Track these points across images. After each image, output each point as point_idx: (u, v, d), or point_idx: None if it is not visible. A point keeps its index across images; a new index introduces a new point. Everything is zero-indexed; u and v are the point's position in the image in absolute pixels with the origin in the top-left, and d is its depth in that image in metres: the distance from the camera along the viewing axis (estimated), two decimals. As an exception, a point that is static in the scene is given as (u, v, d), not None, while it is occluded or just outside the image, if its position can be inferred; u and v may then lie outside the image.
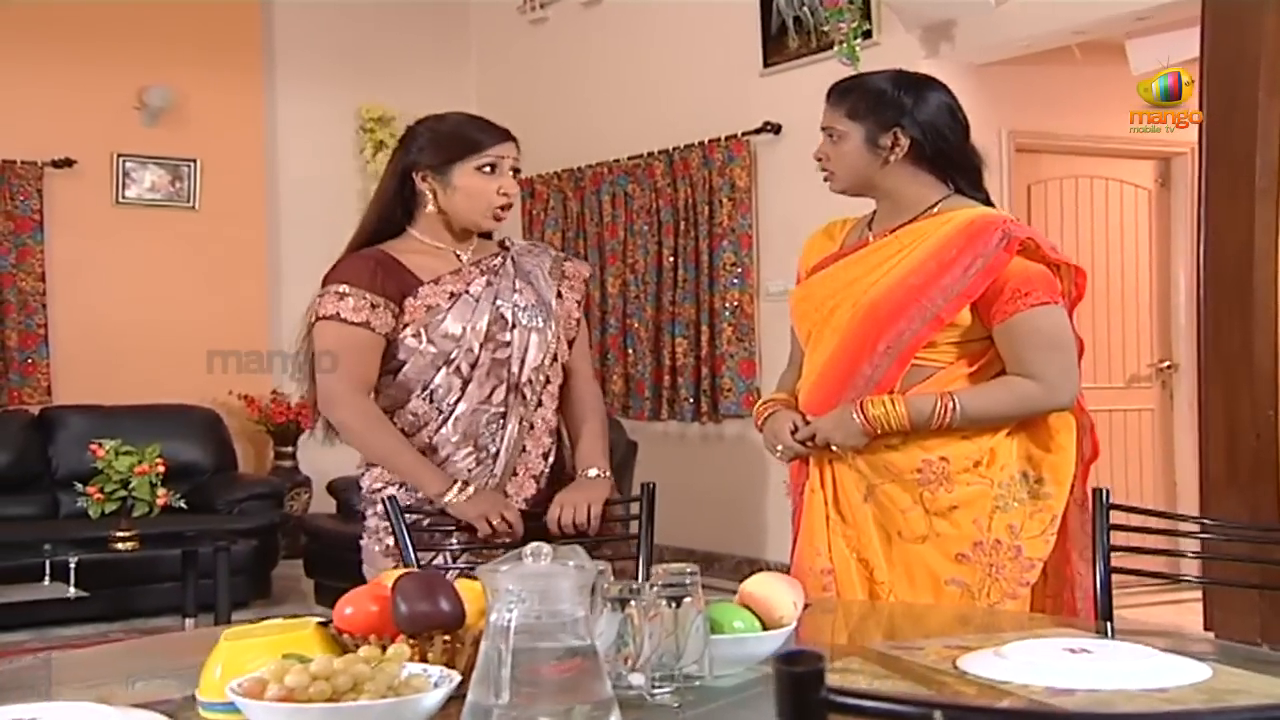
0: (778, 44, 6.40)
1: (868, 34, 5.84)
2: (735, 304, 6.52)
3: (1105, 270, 6.49)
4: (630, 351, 7.17)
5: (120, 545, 5.02)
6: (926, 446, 2.46)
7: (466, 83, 8.50)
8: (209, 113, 7.64)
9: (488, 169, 2.76)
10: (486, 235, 2.94)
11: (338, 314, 2.70)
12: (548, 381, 2.85)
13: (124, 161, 7.47)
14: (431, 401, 2.74)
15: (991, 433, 2.46)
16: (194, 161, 7.62)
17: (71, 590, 4.83)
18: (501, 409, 2.76)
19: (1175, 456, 6.61)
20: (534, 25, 8.03)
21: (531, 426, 2.81)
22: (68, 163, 7.27)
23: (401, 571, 1.74)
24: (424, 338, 2.73)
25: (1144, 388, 6.63)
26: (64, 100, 7.25)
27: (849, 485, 2.52)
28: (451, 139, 2.78)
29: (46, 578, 4.98)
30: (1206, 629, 5.02)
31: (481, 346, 2.74)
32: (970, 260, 2.44)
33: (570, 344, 2.91)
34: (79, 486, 5.18)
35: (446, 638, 1.63)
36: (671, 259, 6.91)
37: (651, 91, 7.19)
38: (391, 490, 2.72)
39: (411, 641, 1.62)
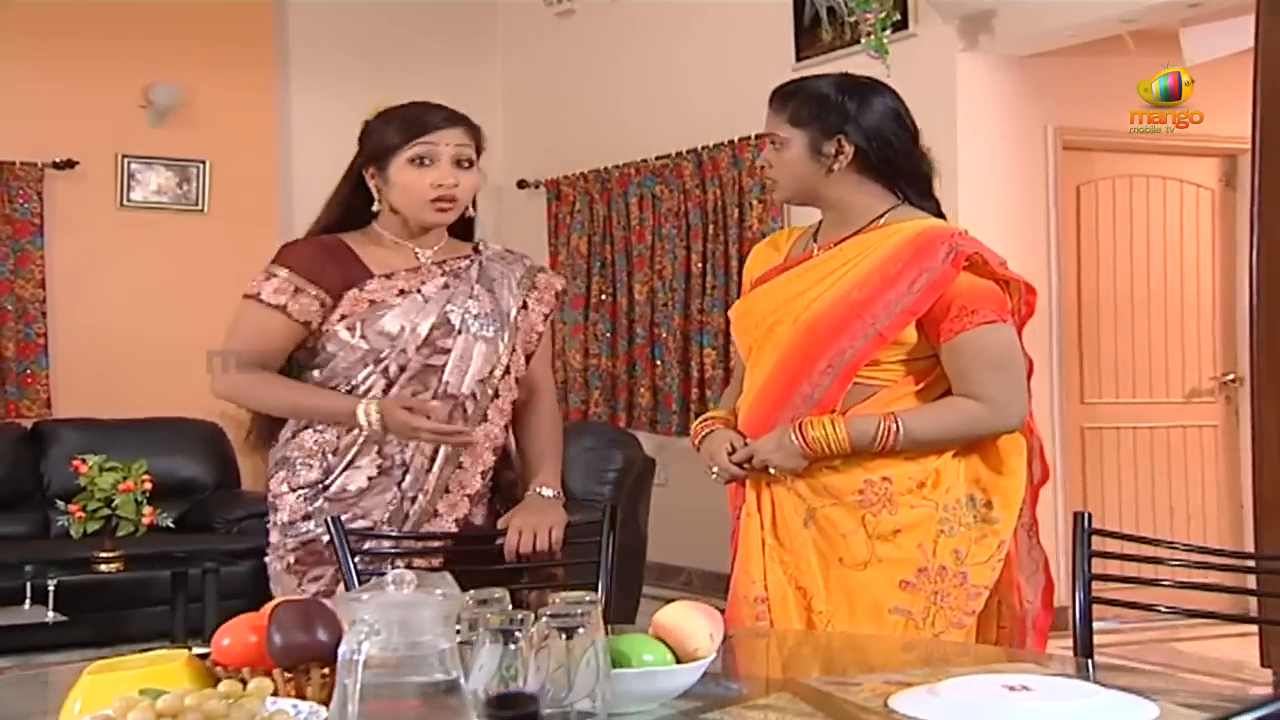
0: (810, 36, 6.36)
1: (900, 24, 5.80)
2: (767, 313, 6.47)
3: (1163, 277, 6.40)
4: (658, 363, 7.16)
5: (104, 567, 5.05)
6: (869, 467, 2.46)
7: (492, 79, 8.52)
8: (218, 111, 7.69)
9: (420, 161, 2.79)
10: (466, 236, 2.96)
11: (258, 294, 2.78)
12: (496, 395, 2.85)
13: (129, 162, 7.53)
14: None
15: (937, 453, 2.47)
16: (203, 162, 7.67)
17: (50, 614, 4.84)
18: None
19: (1241, 477, 6.48)
20: (560, 19, 8.04)
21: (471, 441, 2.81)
22: (69, 164, 7.33)
23: (280, 599, 1.73)
24: (358, 332, 2.76)
25: (1206, 402, 6.52)
26: (65, 98, 7.32)
27: (788, 509, 2.52)
28: (388, 132, 2.84)
29: (27, 601, 4.99)
30: (1263, 665, 4.93)
31: (417, 350, 2.76)
32: (915, 275, 2.44)
33: (528, 358, 2.92)
34: (60, 505, 5.21)
35: (325, 671, 1.61)
36: (700, 265, 6.90)
37: (680, 87, 7.18)
38: (290, 498, 2.75)
39: (288, 675, 1.61)
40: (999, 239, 5.86)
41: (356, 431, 2.75)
